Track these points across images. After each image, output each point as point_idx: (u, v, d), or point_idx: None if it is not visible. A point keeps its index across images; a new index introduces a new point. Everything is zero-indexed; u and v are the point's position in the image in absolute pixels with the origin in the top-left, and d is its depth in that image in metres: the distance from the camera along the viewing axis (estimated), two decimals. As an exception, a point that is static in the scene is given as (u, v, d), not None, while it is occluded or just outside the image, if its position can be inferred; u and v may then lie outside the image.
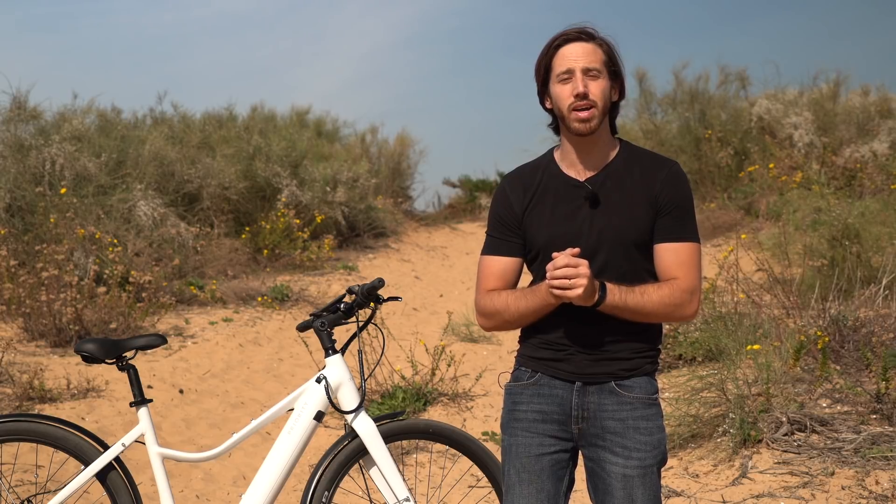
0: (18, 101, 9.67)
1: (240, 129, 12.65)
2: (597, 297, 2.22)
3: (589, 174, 2.37)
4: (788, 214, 8.50)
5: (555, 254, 2.22)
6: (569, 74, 2.31)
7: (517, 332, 2.50)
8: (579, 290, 2.17)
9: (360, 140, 16.27)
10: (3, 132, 9.08)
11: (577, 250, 2.21)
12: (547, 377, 2.39)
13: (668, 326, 6.13)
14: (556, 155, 2.44)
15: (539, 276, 2.38)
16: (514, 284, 2.43)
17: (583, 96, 2.29)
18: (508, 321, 2.39)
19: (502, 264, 2.42)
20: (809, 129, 12.24)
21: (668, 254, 2.33)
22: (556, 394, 2.37)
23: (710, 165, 12.61)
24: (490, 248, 2.45)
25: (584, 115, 2.29)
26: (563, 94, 2.32)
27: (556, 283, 2.19)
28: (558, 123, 2.39)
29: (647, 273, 2.36)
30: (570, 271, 2.17)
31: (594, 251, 2.31)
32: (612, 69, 2.35)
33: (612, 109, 2.38)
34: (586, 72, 2.30)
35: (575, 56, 2.31)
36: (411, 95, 30.15)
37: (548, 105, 2.40)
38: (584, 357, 2.34)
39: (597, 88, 2.31)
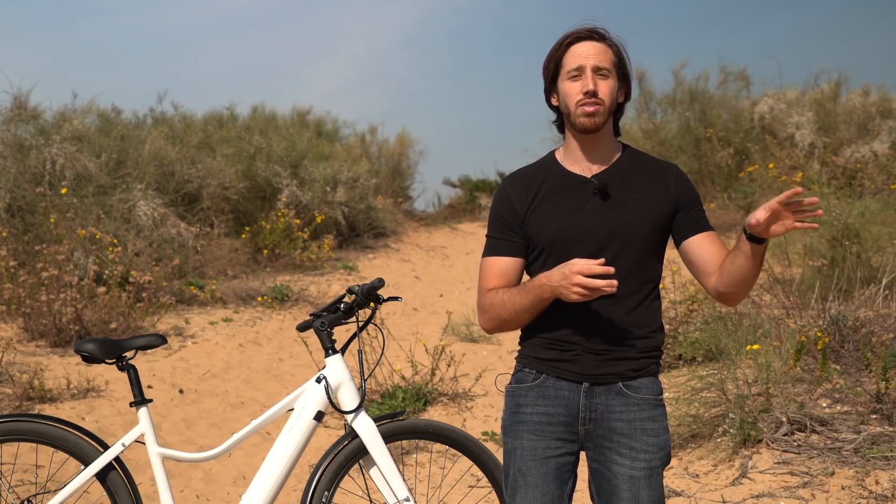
0: (19, 100, 9.69)
1: (240, 130, 12.65)
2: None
3: (595, 171, 2.37)
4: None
5: (581, 262, 2.18)
6: (579, 72, 2.32)
7: (517, 332, 2.50)
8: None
9: (360, 140, 16.25)
10: (4, 132, 9.08)
11: (602, 260, 2.19)
12: (552, 378, 2.37)
13: (668, 326, 6.14)
14: (559, 155, 2.44)
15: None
16: (515, 285, 2.41)
17: (592, 94, 2.29)
18: (506, 319, 2.36)
19: (503, 264, 2.40)
20: (811, 128, 12.23)
21: (711, 241, 2.36)
22: (562, 395, 2.36)
23: (710, 165, 12.60)
24: (491, 249, 2.43)
25: (590, 109, 2.30)
26: (572, 90, 2.32)
27: (583, 288, 2.17)
28: (563, 121, 2.40)
29: (653, 270, 2.36)
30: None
31: (603, 246, 2.31)
32: (621, 70, 2.36)
33: (616, 110, 2.39)
34: (596, 70, 2.31)
35: (586, 54, 2.32)
36: (412, 95, 30.15)
37: (554, 102, 2.40)
38: (592, 357, 2.33)
39: (605, 87, 2.32)
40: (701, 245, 2.35)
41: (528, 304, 2.30)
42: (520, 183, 2.42)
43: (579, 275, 2.15)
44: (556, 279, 2.20)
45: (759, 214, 2.10)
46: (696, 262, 2.36)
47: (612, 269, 2.15)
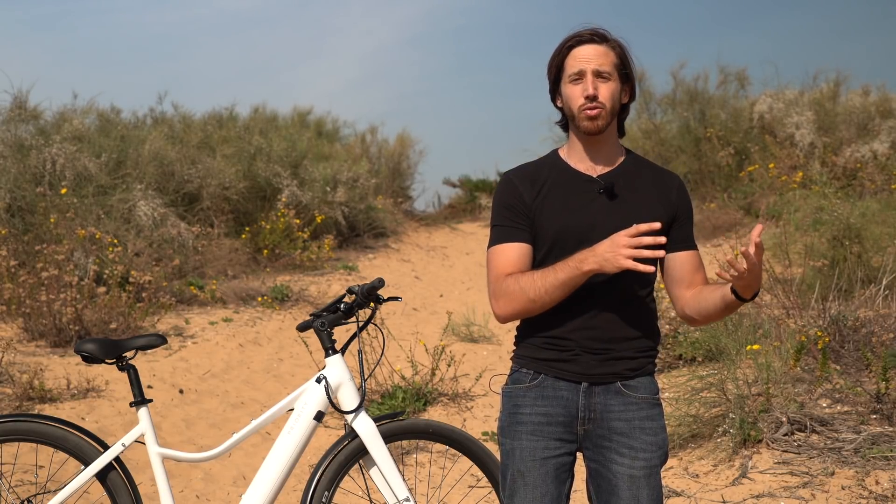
0: (19, 100, 9.68)
1: (240, 130, 12.65)
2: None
3: (600, 171, 2.38)
4: (789, 214, 8.50)
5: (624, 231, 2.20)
6: (580, 76, 2.33)
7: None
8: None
9: (360, 140, 16.25)
10: (4, 132, 9.08)
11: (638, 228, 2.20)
12: (551, 378, 2.36)
13: (668, 326, 6.14)
14: (562, 153, 2.44)
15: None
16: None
17: (592, 98, 2.31)
18: (532, 299, 2.28)
19: (518, 249, 2.35)
20: (811, 128, 12.23)
21: (689, 260, 2.42)
22: (560, 395, 2.36)
23: (710, 165, 12.61)
24: (502, 236, 2.37)
25: (592, 112, 2.32)
26: (574, 94, 2.34)
27: (632, 252, 2.18)
28: (567, 121, 2.42)
29: (651, 273, 2.36)
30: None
31: None
32: (624, 72, 2.37)
33: (621, 111, 2.41)
34: (597, 74, 2.32)
35: (587, 58, 2.33)
36: (414, 95, 30.16)
37: (558, 103, 2.42)
38: (591, 357, 2.33)
39: (606, 91, 2.33)
40: (683, 263, 2.41)
41: (563, 278, 2.24)
42: (525, 177, 2.41)
43: (625, 238, 2.18)
44: (601, 249, 2.20)
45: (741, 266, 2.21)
46: (673, 277, 2.42)
47: (657, 225, 2.19)
